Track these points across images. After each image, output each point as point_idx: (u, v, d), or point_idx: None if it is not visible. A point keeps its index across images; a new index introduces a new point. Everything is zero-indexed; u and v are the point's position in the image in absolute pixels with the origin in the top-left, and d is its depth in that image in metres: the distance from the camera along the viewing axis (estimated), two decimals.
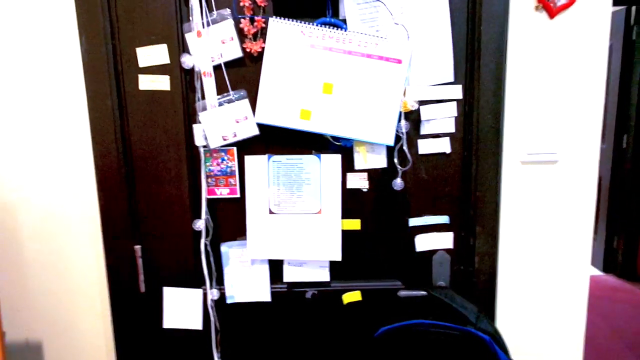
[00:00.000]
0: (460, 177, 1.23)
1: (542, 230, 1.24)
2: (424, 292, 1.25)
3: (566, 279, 1.26)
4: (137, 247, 1.24)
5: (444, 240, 1.26)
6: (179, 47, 1.16)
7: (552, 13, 1.13)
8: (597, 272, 3.57)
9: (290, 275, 1.26)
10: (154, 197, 1.23)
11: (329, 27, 1.12)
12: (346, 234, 1.24)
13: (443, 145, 1.20)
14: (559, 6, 1.13)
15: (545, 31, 1.14)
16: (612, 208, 3.43)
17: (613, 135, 3.39)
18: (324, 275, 1.26)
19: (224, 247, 1.26)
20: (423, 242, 1.26)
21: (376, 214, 1.25)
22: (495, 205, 1.22)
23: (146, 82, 1.17)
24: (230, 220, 1.25)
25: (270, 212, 1.23)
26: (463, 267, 1.27)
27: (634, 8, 3.16)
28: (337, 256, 1.23)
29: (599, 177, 2.74)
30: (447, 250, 1.26)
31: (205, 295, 1.26)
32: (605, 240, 3.50)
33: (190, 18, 1.13)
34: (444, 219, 1.25)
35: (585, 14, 1.13)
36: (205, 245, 1.23)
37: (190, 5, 1.12)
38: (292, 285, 1.27)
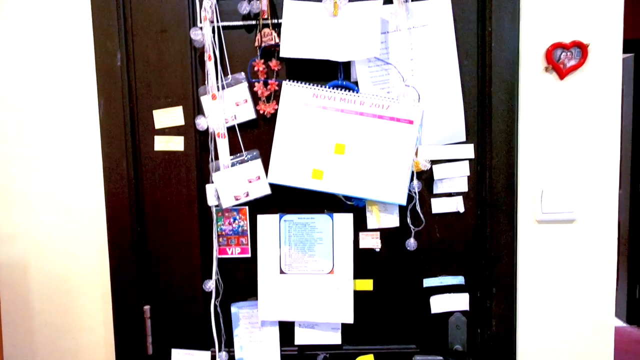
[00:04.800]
0: (475, 236, 1.20)
1: (563, 290, 1.20)
2: (440, 358, 1.20)
3: (590, 340, 1.20)
4: (147, 308, 1.23)
5: (460, 302, 1.22)
6: (194, 109, 1.18)
7: (562, 74, 1.14)
8: (621, 324, 3.42)
9: (301, 337, 1.23)
10: (165, 257, 1.22)
11: (340, 89, 1.14)
12: (359, 295, 1.21)
13: (456, 205, 1.19)
14: (569, 67, 1.14)
15: (556, 91, 1.15)
16: (633, 256, 3.33)
17: (629, 181, 3.34)
18: (336, 338, 1.22)
19: (234, 308, 1.23)
20: (438, 304, 1.22)
21: (389, 274, 1.22)
22: (512, 266, 1.18)
23: (161, 143, 1.19)
24: (241, 280, 1.23)
25: (282, 272, 1.21)
26: (480, 330, 1.22)
27: None
28: (349, 318, 1.19)
29: (617, 223, 2.69)
30: (464, 312, 1.22)
31: (213, 358, 1.23)
32: (627, 290, 3.37)
33: (206, 82, 1.16)
34: (459, 280, 1.21)
35: (596, 74, 1.14)
36: (215, 306, 1.21)
37: (206, 70, 1.15)
38: (303, 348, 1.23)
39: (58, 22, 1.18)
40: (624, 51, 3.03)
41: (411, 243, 1.18)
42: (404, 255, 1.21)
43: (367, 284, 1.22)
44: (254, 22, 1.16)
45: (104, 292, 1.24)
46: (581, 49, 1.13)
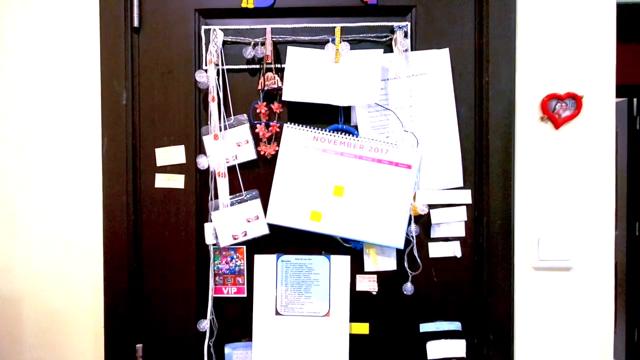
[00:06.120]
0: (472, 282, 1.20)
1: (561, 338, 1.19)
2: None
3: None
4: (139, 346, 1.21)
5: (457, 348, 1.20)
6: (195, 148, 1.20)
7: (557, 124, 1.17)
8: None
9: None
10: (161, 295, 1.22)
11: (341, 133, 1.16)
12: (354, 339, 1.20)
13: (454, 250, 1.19)
14: (564, 117, 1.17)
15: (552, 141, 1.17)
16: (631, 298, 3.30)
17: (625, 222, 3.34)
18: None
19: (228, 349, 1.22)
20: (435, 350, 1.20)
21: (386, 318, 1.22)
22: (509, 312, 1.18)
23: (162, 181, 1.21)
24: (236, 320, 1.22)
25: (277, 313, 1.20)
26: None
27: (635, 100, 3.26)
28: None
29: (615, 265, 2.67)
30: (460, 359, 1.20)
31: None
32: (626, 332, 3.33)
33: (209, 122, 1.18)
34: (456, 326, 1.20)
35: (590, 125, 1.17)
36: (209, 346, 1.19)
37: (209, 110, 1.18)
38: None
39: (66, 61, 1.21)
40: (617, 95, 3.10)
41: (408, 287, 1.18)
42: (401, 299, 1.21)
43: (363, 328, 1.21)
44: (257, 66, 1.19)
45: (97, 329, 1.23)
46: (575, 100, 1.16)
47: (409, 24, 1.18)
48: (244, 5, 1.18)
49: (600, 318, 1.18)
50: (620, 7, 1.20)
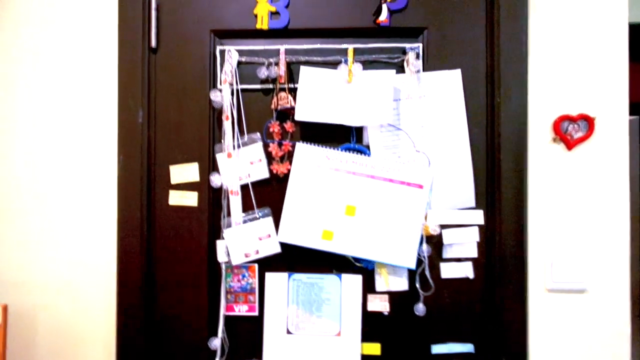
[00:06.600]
0: (485, 303, 1.19)
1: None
2: None
3: None
4: None
5: None
6: (209, 166, 1.22)
7: (569, 145, 1.17)
8: None
9: None
10: (173, 312, 1.22)
11: (353, 152, 1.17)
12: (365, 359, 1.19)
13: (466, 270, 1.19)
14: (576, 139, 1.17)
15: (564, 162, 1.17)
16: None
17: (638, 240, 3.30)
18: None
19: None
20: None
21: (397, 338, 1.21)
22: (523, 335, 1.16)
23: (176, 198, 1.22)
24: (247, 339, 1.22)
25: (288, 332, 1.19)
26: None
27: None
28: None
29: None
30: None
31: None
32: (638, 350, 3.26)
33: (222, 140, 1.20)
34: (468, 348, 1.19)
35: (603, 147, 1.17)
36: None
37: (223, 129, 1.19)
38: None
39: (84, 80, 1.24)
40: (630, 113, 3.08)
41: (420, 308, 1.17)
42: (413, 319, 1.20)
43: (374, 348, 1.20)
44: (271, 86, 1.21)
45: (109, 344, 1.23)
46: (588, 122, 1.16)
47: (420, 45, 1.19)
48: (258, 26, 1.20)
49: (615, 340, 1.16)
50: (632, 27, 1.21)
